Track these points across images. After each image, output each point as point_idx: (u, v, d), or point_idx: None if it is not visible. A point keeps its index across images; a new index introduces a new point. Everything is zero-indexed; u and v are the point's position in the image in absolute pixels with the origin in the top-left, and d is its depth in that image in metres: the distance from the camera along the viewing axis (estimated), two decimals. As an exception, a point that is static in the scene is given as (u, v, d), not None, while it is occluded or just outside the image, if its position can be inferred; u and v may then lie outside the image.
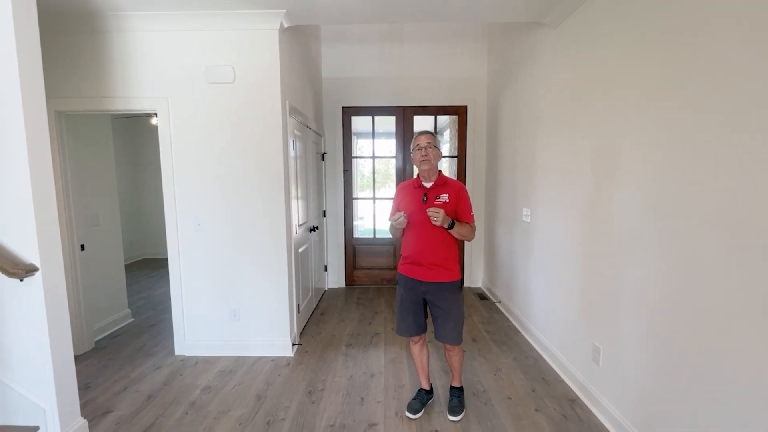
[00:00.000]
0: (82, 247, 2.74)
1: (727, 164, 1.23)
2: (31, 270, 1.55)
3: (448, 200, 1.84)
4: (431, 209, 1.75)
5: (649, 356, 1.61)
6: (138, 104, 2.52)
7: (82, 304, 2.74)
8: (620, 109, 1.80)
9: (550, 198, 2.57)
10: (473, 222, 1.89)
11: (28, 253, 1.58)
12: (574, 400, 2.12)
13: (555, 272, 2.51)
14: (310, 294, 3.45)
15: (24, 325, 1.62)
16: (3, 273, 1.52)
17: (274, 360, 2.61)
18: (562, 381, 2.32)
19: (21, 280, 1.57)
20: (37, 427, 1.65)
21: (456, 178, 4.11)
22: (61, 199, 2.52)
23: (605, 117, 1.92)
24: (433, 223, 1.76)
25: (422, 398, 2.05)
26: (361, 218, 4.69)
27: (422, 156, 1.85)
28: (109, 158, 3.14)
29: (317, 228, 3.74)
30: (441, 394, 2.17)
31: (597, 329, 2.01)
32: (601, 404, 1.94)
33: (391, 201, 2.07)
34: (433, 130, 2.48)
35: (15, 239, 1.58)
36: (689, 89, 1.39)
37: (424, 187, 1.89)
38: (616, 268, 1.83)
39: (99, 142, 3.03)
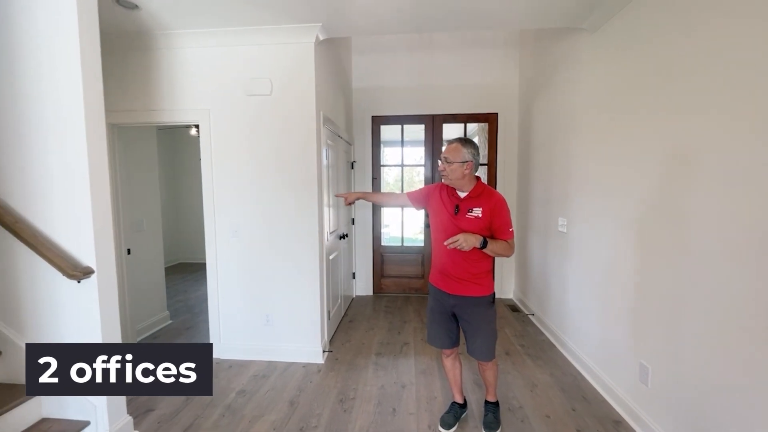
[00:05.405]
0: (129, 251, 2.90)
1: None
2: (88, 272, 1.66)
3: (480, 215, 1.69)
4: (448, 241, 1.64)
5: (711, 379, 1.49)
6: (182, 116, 2.66)
7: (127, 305, 2.88)
8: (684, 112, 1.67)
9: (591, 207, 2.46)
10: (511, 239, 1.73)
11: (85, 257, 1.69)
12: (619, 422, 1.99)
13: (595, 286, 2.39)
14: (339, 301, 3.47)
15: (79, 324, 1.72)
16: (63, 274, 1.63)
17: (305, 366, 2.63)
18: (605, 401, 2.19)
19: (78, 282, 1.67)
20: (88, 422, 1.74)
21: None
22: (112, 206, 2.68)
23: (662, 121, 1.78)
24: (461, 249, 1.65)
25: (455, 412, 1.99)
26: (387, 226, 4.69)
27: (441, 169, 1.77)
28: (153, 167, 3.32)
29: (346, 235, 3.77)
30: (475, 409, 2.11)
31: (646, 348, 1.89)
32: (651, 428, 1.81)
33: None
34: (464, 137, 2.28)
35: (74, 244, 1.70)
36: (750, 93, 1.30)
37: (458, 197, 1.78)
38: (681, 286, 1.65)
39: (145, 152, 3.21)
